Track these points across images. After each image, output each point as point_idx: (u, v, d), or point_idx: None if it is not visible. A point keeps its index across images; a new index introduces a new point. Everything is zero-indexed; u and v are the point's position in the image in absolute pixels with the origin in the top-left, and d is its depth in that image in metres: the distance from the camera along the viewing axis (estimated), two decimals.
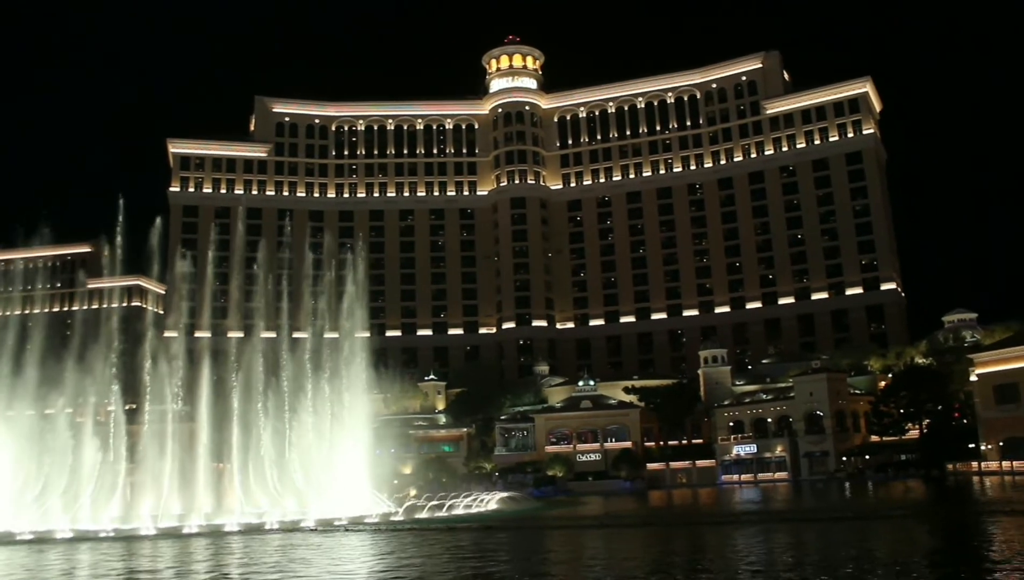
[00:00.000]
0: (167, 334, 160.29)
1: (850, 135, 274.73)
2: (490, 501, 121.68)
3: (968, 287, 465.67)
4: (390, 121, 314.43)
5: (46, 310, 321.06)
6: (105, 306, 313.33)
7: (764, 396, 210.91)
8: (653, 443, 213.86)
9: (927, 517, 78.38)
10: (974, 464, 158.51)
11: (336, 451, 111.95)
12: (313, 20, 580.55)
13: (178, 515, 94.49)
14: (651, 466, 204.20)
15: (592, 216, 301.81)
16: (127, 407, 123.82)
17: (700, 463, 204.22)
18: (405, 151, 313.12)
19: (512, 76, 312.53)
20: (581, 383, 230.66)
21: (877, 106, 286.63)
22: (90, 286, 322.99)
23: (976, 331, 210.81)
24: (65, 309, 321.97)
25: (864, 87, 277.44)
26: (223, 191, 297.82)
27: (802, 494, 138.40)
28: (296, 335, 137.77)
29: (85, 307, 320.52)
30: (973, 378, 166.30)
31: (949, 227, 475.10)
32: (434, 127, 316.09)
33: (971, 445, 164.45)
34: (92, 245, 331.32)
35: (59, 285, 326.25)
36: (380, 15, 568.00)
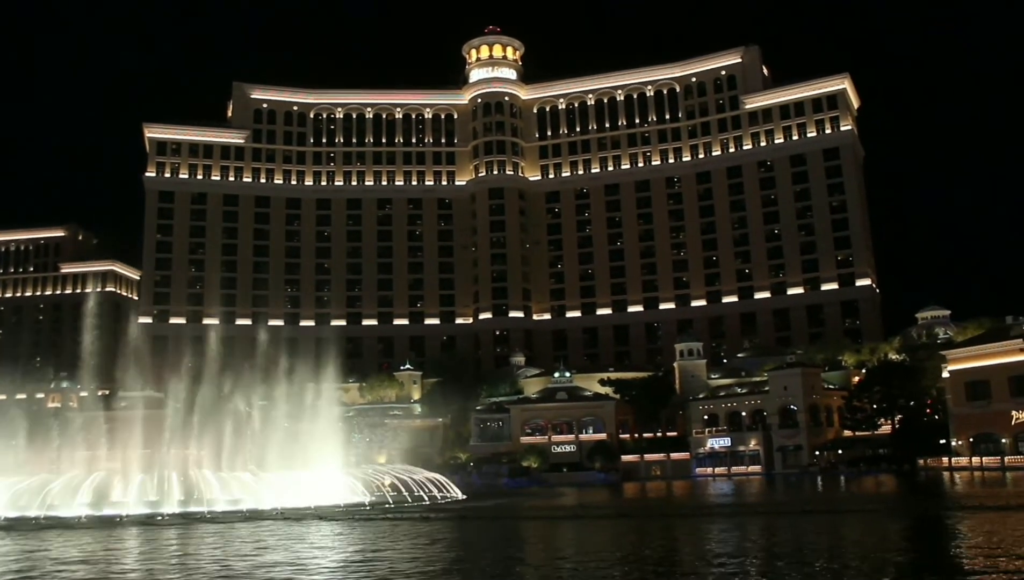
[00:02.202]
0: (142, 320, 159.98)
1: (828, 131, 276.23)
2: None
3: (941, 284, 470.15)
4: (369, 109, 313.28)
5: (19, 294, 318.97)
6: (79, 291, 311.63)
7: (739, 390, 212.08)
8: (628, 435, 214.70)
9: (896, 511, 79.06)
10: (945, 459, 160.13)
11: (310, 439, 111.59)
12: (293, 7, 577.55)
13: (150, 502, 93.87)
14: (626, 458, 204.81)
15: (570, 208, 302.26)
16: (100, 393, 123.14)
17: (674, 455, 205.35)
18: (384, 140, 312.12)
19: (492, 66, 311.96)
20: (557, 374, 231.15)
21: (855, 103, 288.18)
22: (64, 271, 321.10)
23: (949, 328, 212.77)
24: (38, 294, 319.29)
25: (843, 84, 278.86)
26: (200, 177, 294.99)
27: (775, 488, 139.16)
28: (272, 322, 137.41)
29: (59, 292, 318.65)
30: (945, 374, 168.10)
31: (924, 224, 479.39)
32: (413, 116, 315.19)
33: (942, 441, 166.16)
34: (67, 229, 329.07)
35: (32, 269, 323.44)
36: (360, 3, 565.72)
